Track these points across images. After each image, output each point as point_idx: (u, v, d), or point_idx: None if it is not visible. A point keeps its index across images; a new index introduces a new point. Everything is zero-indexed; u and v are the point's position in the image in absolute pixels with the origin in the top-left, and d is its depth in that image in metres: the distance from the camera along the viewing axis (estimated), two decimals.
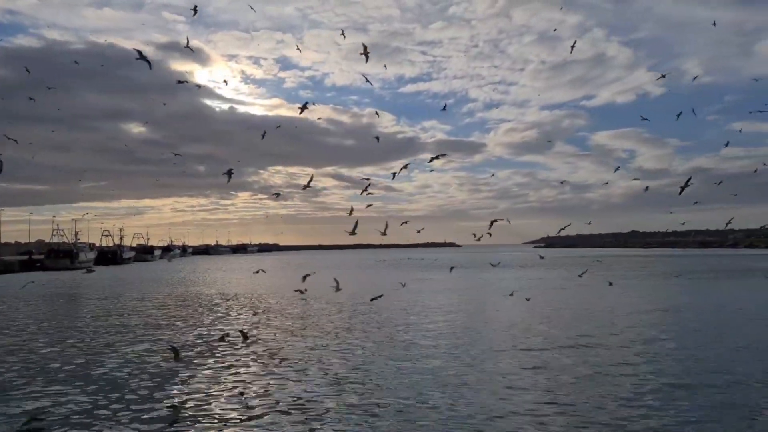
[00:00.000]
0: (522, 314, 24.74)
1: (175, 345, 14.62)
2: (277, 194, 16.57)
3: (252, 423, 10.33)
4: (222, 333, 18.89)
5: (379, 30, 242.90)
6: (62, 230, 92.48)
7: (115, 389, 12.62)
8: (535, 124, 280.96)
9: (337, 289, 18.88)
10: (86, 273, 22.60)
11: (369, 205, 19.35)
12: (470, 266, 75.26)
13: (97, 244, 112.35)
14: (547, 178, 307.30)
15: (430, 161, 17.39)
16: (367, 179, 19.67)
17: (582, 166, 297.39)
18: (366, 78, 22.41)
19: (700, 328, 20.73)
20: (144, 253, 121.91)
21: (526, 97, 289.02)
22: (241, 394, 12.19)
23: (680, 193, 16.62)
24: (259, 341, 18.66)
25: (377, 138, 27.58)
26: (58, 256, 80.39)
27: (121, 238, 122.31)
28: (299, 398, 11.77)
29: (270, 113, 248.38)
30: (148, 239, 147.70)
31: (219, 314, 26.75)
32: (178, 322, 23.90)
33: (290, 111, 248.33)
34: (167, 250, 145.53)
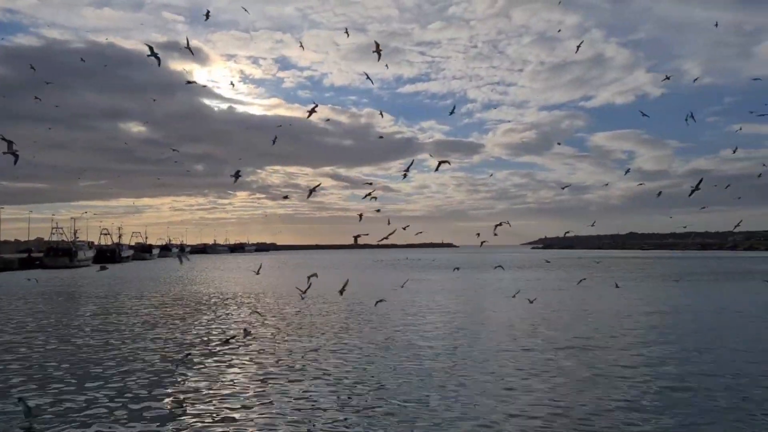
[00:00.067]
0: (522, 315, 24.76)
1: (180, 357, 14.65)
2: (286, 197, 16.53)
3: (251, 423, 10.33)
4: (226, 336, 18.87)
5: (378, 30, 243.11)
6: (61, 228, 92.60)
7: (113, 388, 12.61)
8: (533, 125, 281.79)
9: (341, 291, 18.92)
10: (100, 271, 22.64)
11: (378, 210, 19.28)
12: (468, 267, 75.31)
13: (96, 243, 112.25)
14: (545, 179, 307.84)
15: (437, 169, 17.55)
16: (370, 183, 19.67)
17: (580, 167, 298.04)
18: (367, 76, 22.45)
19: (701, 331, 20.77)
20: (142, 251, 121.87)
21: (525, 98, 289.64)
22: (240, 394, 12.20)
23: (690, 195, 16.63)
24: (258, 341, 18.65)
25: (381, 136, 27.43)
26: (57, 254, 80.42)
27: (119, 237, 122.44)
28: (298, 399, 11.76)
29: (269, 113, 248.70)
30: (146, 238, 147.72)
31: (218, 314, 26.74)
32: (176, 321, 23.89)
33: (289, 111, 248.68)
34: (166, 248, 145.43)
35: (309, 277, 17.71)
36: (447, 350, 16.90)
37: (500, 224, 18.84)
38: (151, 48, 15.42)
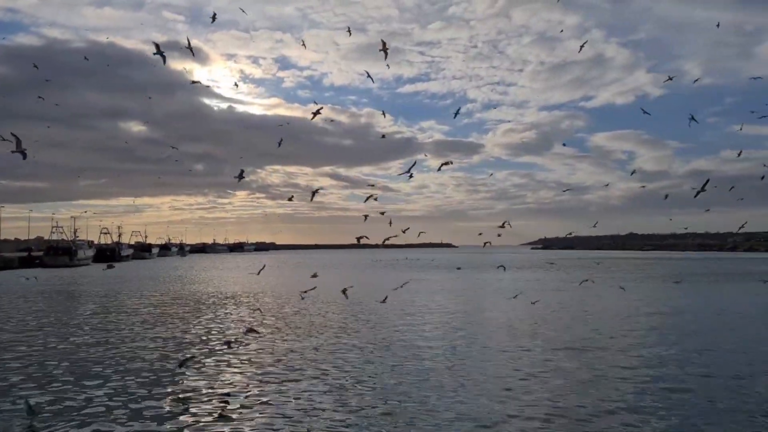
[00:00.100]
0: (522, 316, 24.77)
1: (183, 357, 14.65)
2: (291, 198, 16.50)
3: (250, 423, 10.32)
4: (226, 338, 18.88)
5: (378, 30, 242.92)
6: (61, 227, 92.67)
7: (113, 387, 12.60)
8: (533, 125, 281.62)
9: (345, 291, 18.98)
10: (106, 269, 22.73)
11: (383, 213, 19.22)
12: (468, 267, 75.32)
13: (96, 242, 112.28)
14: (545, 179, 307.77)
15: (439, 169, 17.63)
16: (373, 185, 19.65)
17: (580, 168, 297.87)
18: (368, 74, 22.50)
19: (701, 332, 20.76)
20: (142, 250, 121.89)
21: (525, 98, 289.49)
22: (239, 393, 12.20)
23: (695, 197, 16.58)
24: (257, 340, 18.65)
25: (383, 136, 27.42)
26: (57, 253, 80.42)
27: (119, 236, 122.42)
28: (297, 398, 11.76)
29: (269, 113, 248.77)
30: (146, 237, 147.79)
31: (218, 313, 26.74)
32: (176, 320, 23.88)
33: (289, 110, 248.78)
34: (165, 248, 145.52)
35: (312, 277, 17.65)
36: (446, 350, 16.90)
37: (503, 225, 18.78)
38: (157, 46, 15.57)
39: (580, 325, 22.06)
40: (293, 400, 11.63)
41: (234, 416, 10.69)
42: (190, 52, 16.58)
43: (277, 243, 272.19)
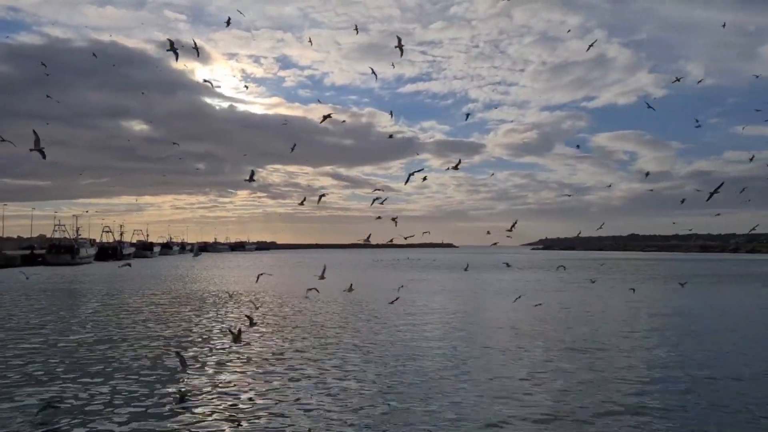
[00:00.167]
0: (524, 317, 24.75)
1: (180, 352, 14.67)
2: (302, 202, 16.50)
3: (250, 422, 10.34)
4: (227, 337, 18.89)
5: (379, 30, 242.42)
6: (63, 226, 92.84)
7: (115, 385, 12.63)
8: (535, 125, 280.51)
9: (350, 289, 19.04)
10: (122, 267, 22.93)
11: (394, 219, 19.25)
12: (471, 268, 75.17)
13: (98, 240, 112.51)
14: (546, 179, 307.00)
15: (447, 169, 17.72)
16: (381, 189, 19.71)
17: (582, 168, 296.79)
18: (372, 70, 22.68)
19: (705, 333, 20.71)
20: (144, 249, 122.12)
21: (526, 98, 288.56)
22: (239, 393, 12.22)
23: (708, 200, 16.58)
24: (258, 340, 18.68)
25: (390, 136, 27.39)
26: (60, 251, 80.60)
27: (121, 235, 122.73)
28: (297, 398, 11.77)
29: (270, 112, 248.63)
30: (147, 236, 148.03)
31: (219, 312, 26.77)
32: (176, 319, 23.92)
33: (290, 110, 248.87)
34: (167, 246, 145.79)
35: (320, 279, 17.76)
36: (447, 351, 16.89)
37: (512, 227, 18.77)
38: (171, 43, 15.85)
39: (582, 326, 22.04)
40: (294, 400, 11.63)
41: (234, 416, 10.70)
42: (196, 52, 16.79)
43: (278, 242, 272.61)
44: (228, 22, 20.32)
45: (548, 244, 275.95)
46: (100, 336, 19.50)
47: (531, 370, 14.28)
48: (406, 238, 20.04)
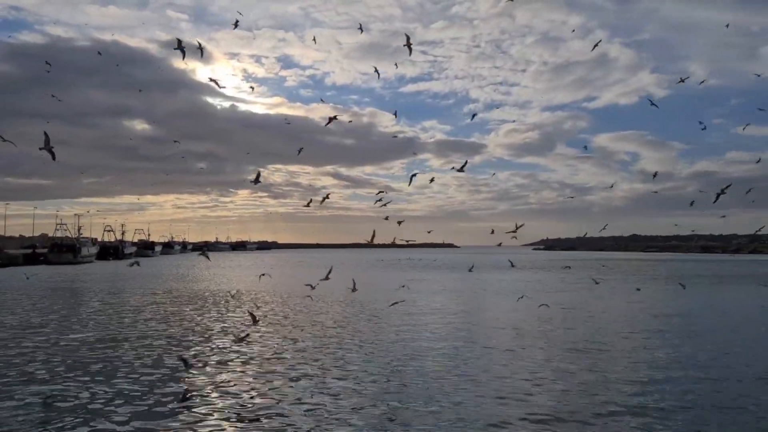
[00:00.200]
0: (525, 317, 24.76)
1: (183, 356, 14.72)
2: (309, 204, 16.66)
3: (250, 422, 10.37)
4: (229, 336, 18.94)
5: (380, 29, 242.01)
6: (65, 225, 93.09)
7: (116, 385, 12.66)
8: (536, 126, 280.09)
9: (354, 289, 19.15)
10: (131, 266, 23.12)
11: (400, 222, 19.40)
12: (472, 267, 75.15)
13: (99, 239, 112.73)
14: (547, 179, 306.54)
15: (453, 169, 17.91)
16: (384, 192, 19.84)
17: (583, 169, 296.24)
18: (375, 69, 22.85)
19: (708, 334, 20.69)
20: (145, 248, 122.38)
21: (528, 98, 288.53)
22: (239, 393, 12.24)
23: (714, 201, 16.63)
24: (259, 340, 18.71)
25: (395, 136, 27.40)
26: (62, 250, 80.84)
27: (122, 234, 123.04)
28: (297, 399, 11.78)
29: (271, 112, 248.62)
30: (149, 235, 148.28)
31: (221, 311, 26.81)
32: (178, 318, 23.97)
33: (291, 110, 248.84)
34: (168, 246, 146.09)
35: (327, 274, 17.93)
36: (449, 351, 16.89)
37: (517, 229, 18.88)
38: (179, 41, 16.03)
39: (583, 326, 22.03)
40: (294, 400, 11.64)
41: (235, 415, 10.72)
42: (200, 52, 17.00)
43: (279, 242, 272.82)
44: (236, 25, 20.62)
45: (549, 245, 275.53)
46: (101, 335, 19.55)
47: (532, 371, 14.28)
48: (407, 242, 20.10)
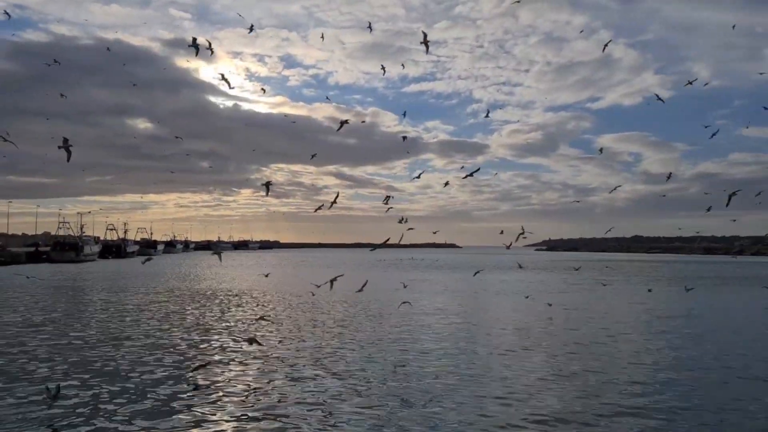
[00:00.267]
0: (527, 318, 24.70)
1: (195, 365, 14.67)
2: (319, 208, 16.69)
3: (250, 422, 10.33)
4: (249, 336, 18.85)
5: (383, 29, 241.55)
6: (68, 223, 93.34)
7: (117, 383, 12.65)
8: (539, 126, 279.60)
9: (360, 289, 19.21)
10: (145, 262, 23.27)
11: (407, 225, 19.53)
12: (471, 268, 75.15)
13: (102, 238, 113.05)
14: (550, 180, 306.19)
15: (465, 177, 18.06)
16: (391, 196, 19.98)
17: (586, 169, 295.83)
18: (382, 67, 23.00)
19: (710, 336, 20.59)
20: (147, 247, 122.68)
21: (531, 99, 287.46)
22: (240, 393, 12.21)
23: (727, 205, 16.59)
24: (260, 339, 18.66)
25: (404, 137, 27.19)
26: (64, 248, 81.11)
27: (125, 232, 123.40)
28: (298, 398, 11.75)
29: (274, 111, 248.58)
30: (151, 234, 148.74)
31: (223, 310, 26.81)
32: (179, 317, 23.97)
33: (294, 109, 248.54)
34: (170, 245, 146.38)
35: (332, 280, 18.01)
36: (450, 352, 16.84)
37: (522, 233, 19.10)
38: (194, 39, 16.44)
39: (586, 328, 21.95)
40: (295, 400, 11.61)
41: (237, 415, 10.69)
42: (210, 51, 17.28)
43: (281, 241, 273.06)
44: (251, 29, 21.08)
45: (552, 245, 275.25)
46: (103, 334, 19.55)
47: (534, 371, 14.21)
48: (410, 253, 20.32)
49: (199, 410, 10.88)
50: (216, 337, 19.21)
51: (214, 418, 10.50)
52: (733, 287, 47.05)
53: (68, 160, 12.90)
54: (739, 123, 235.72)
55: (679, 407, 11.31)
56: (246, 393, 12.10)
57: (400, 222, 19.03)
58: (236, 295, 34.19)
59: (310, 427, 10.03)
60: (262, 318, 18.38)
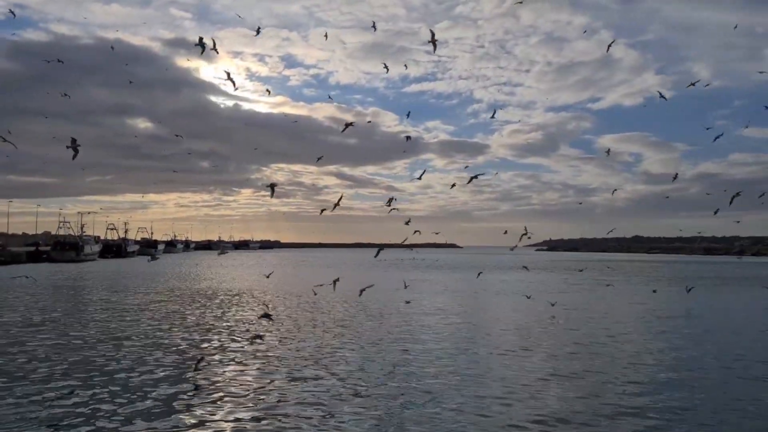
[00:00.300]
0: (529, 319, 24.68)
1: (198, 356, 14.65)
2: (323, 210, 16.76)
3: (250, 422, 10.32)
4: (253, 335, 18.90)
5: (384, 29, 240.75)
6: (68, 223, 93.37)
7: (119, 384, 12.65)
8: (540, 126, 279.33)
9: (362, 292, 19.34)
10: (151, 261, 23.23)
11: (417, 231, 19.68)
12: (472, 268, 75.13)
13: (102, 238, 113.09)
14: (550, 180, 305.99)
15: (469, 181, 18.21)
16: (395, 199, 20.16)
17: (586, 170, 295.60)
18: (384, 65, 23.19)
19: (712, 336, 20.57)
20: (148, 246, 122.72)
21: (532, 99, 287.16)
22: (239, 393, 12.20)
23: (730, 203, 16.74)
24: (261, 339, 18.65)
25: (408, 137, 27.39)
26: (64, 248, 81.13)
27: (125, 232, 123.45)
28: (299, 398, 11.74)
29: (274, 111, 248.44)
30: (152, 233, 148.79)
31: (224, 310, 26.80)
32: (180, 317, 23.95)
33: (294, 109, 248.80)
34: (171, 244, 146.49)
35: (335, 282, 18.17)
36: (452, 352, 16.83)
37: (525, 233, 19.34)
38: (200, 38, 16.65)
39: (586, 328, 21.94)
40: (296, 400, 11.60)
41: (236, 416, 10.68)
42: (215, 51, 17.40)
43: (282, 241, 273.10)
44: (258, 31, 21.30)
45: (552, 246, 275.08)
46: (103, 334, 19.54)
47: (535, 372, 14.20)
48: (411, 250, 20.48)
49: (199, 410, 10.88)
50: (216, 337, 19.21)
51: (214, 418, 10.50)
52: (733, 287, 47.03)
53: (74, 158, 13.02)
54: (740, 123, 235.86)
55: (679, 407, 11.30)
56: (246, 393, 12.10)
57: (407, 224, 19.16)
58: (236, 295, 34.18)
59: (310, 427, 10.03)
60: (265, 314, 18.34)
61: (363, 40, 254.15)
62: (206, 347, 17.23)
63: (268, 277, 37.98)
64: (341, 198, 17.55)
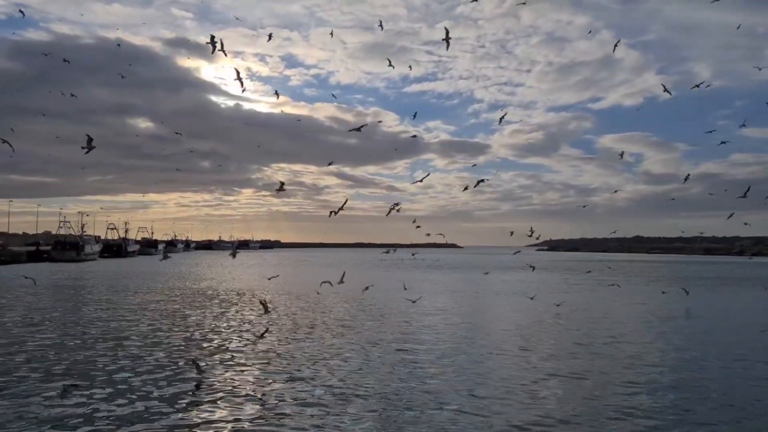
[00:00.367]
0: (529, 319, 24.66)
1: (195, 358, 14.62)
2: (331, 213, 16.82)
3: (250, 422, 10.32)
4: (259, 333, 18.91)
5: (384, 29, 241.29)
6: (69, 222, 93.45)
7: (118, 383, 12.63)
8: (540, 126, 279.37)
9: (366, 288, 19.52)
10: (162, 260, 23.21)
11: (428, 234, 19.93)
12: (472, 268, 75.14)
13: (103, 237, 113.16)
14: (551, 180, 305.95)
15: (476, 185, 18.46)
16: (399, 203, 20.39)
17: (587, 170, 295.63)
18: (389, 62, 23.36)
19: (713, 337, 20.57)
20: (148, 246, 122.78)
21: (533, 99, 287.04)
22: (240, 393, 12.20)
23: (744, 195, 16.89)
24: (261, 339, 18.65)
25: (414, 135, 27.66)
26: (65, 248, 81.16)
27: (126, 232, 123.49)
28: (299, 399, 11.74)
29: (275, 111, 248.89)
30: (152, 233, 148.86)
31: (225, 309, 26.80)
32: (181, 317, 23.95)
33: (295, 109, 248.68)
34: (171, 244, 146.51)
35: (340, 282, 18.26)
36: (453, 352, 16.82)
37: (531, 233, 19.60)
38: (212, 37, 16.83)
39: (587, 328, 21.92)
40: (297, 400, 11.60)
41: (236, 416, 10.67)
42: (223, 52, 17.59)
43: (283, 241, 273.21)
44: (270, 37, 21.66)
45: (553, 246, 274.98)
46: (103, 334, 19.53)
47: (535, 371, 14.20)
48: (413, 254, 20.74)
49: (199, 410, 10.87)
50: (216, 337, 19.20)
51: (214, 418, 10.49)
52: (733, 287, 46.99)
53: (87, 153, 13.33)
54: (740, 123, 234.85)
55: (679, 407, 11.30)
56: (246, 393, 12.09)
57: (417, 227, 19.34)
58: (237, 295, 34.17)
59: (311, 427, 10.01)
60: (265, 307, 18.39)
61: (364, 40, 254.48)
62: (206, 347, 17.22)
63: (269, 280, 37.99)
64: (345, 202, 17.64)
